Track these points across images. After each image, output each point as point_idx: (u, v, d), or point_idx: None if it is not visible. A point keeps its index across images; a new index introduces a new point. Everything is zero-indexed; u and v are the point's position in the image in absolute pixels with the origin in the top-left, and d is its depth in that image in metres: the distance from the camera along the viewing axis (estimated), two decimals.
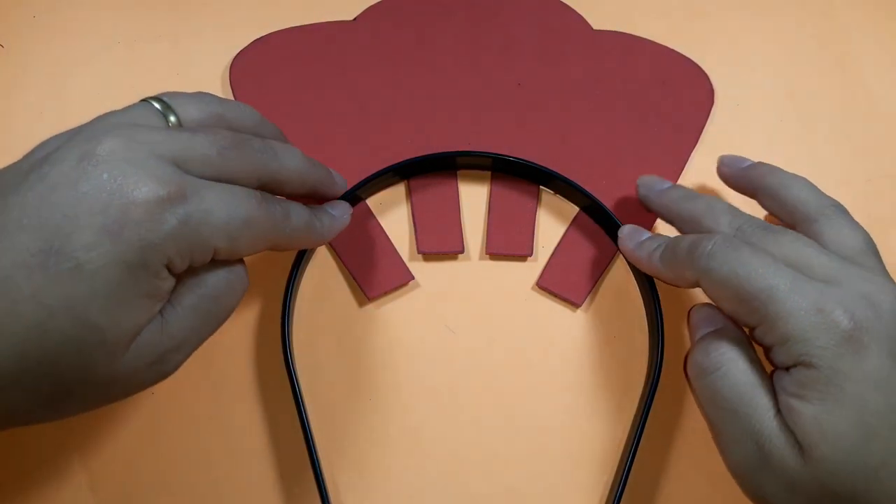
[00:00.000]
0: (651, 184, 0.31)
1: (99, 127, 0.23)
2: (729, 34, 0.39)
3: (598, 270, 0.33)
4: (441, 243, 0.33)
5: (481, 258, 0.33)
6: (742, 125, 0.37)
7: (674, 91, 0.37)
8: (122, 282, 0.21)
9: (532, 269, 0.33)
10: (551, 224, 0.34)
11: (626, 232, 0.31)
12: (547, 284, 0.32)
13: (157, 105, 0.24)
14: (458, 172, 0.35)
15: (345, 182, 0.30)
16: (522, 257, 0.33)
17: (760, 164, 0.31)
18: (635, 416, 0.30)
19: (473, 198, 0.35)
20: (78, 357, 0.21)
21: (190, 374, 0.30)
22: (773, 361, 0.25)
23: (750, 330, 0.25)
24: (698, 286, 0.26)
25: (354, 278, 0.32)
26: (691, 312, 0.28)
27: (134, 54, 0.37)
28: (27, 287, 0.20)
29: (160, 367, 0.23)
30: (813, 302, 0.23)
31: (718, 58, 0.38)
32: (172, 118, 0.24)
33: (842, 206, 0.28)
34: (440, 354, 0.31)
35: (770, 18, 0.40)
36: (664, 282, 0.29)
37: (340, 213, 0.29)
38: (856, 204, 0.35)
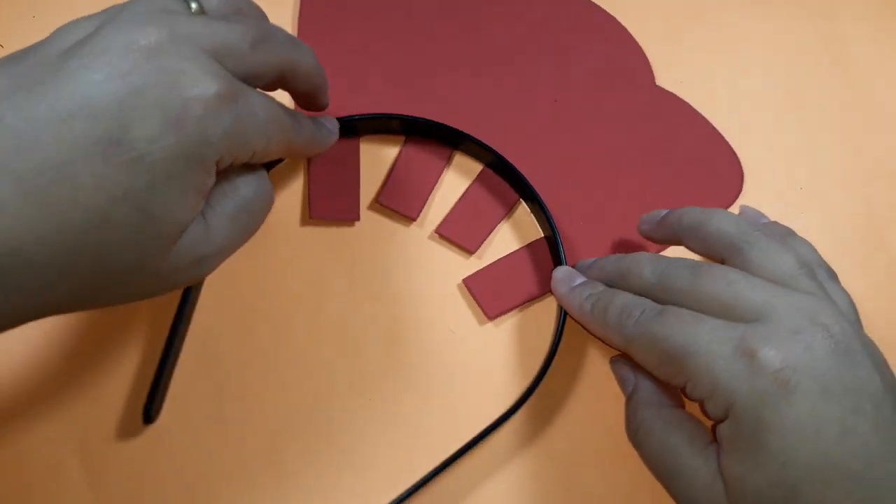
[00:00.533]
0: (581, 266, 0.31)
1: (131, 13, 0.22)
2: (729, 35, 0.39)
3: (526, 298, 0.32)
4: (399, 202, 0.33)
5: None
6: (742, 126, 0.37)
7: (703, 173, 0.35)
8: (180, 174, 0.21)
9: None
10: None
11: (560, 275, 0.30)
12: (471, 286, 0.32)
13: None
14: (454, 152, 0.35)
15: (329, 100, 0.31)
16: (467, 251, 0.33)
17: (675, 209, 0.30)
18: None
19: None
20: (133, 248, 0.21)
21: (191, 376, 0.30)
22: (708, 417, 0.24)
23: (682, 389, 0.25)
24: (626, 351, 0.27)
25: (309, 193, 0.33)
26: (612, 366, 0.29)
27: None
28: (88, 175, 0.20)
29: (198, 270, 0.24)
30: (735, 347, 0.23)
31: (718, 58, 0.38)
32: (194, 5, 0.24)
33: (763, 230, 0.27)
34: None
35: (770, 19, 0.40)
36: (590, 333, 0.29)
37: (333, 127, 0.31)
38: (856, 204, 0.35)
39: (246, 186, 0.25)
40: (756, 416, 0.22)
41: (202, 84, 0.21)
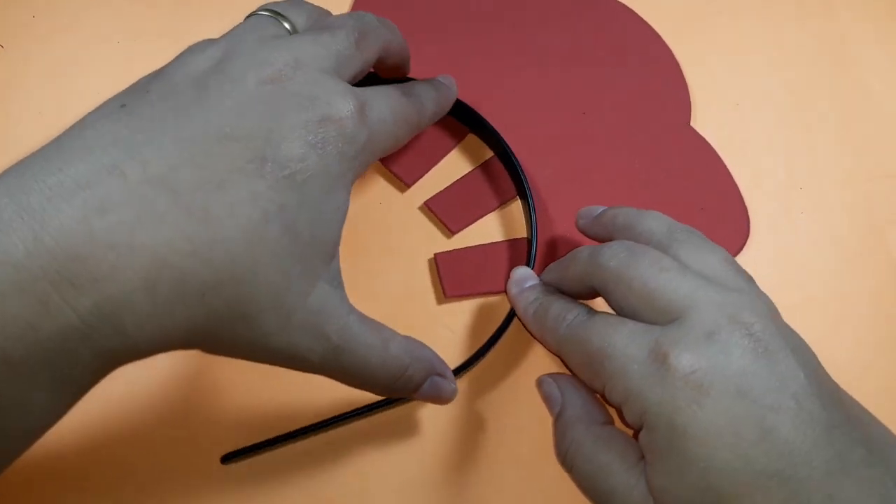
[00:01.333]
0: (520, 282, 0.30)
1: (248, 43, 0.23)
2: (729, 34, 0.39)
3: (487, 290, 0.32)
4: (400, 166, 0.34)
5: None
6: (742, 125, 0.37)
7: (709, 224, 0.34)
8: (325, 192, 0.22)
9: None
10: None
11: (516, 276, 0.30)
12: (440, 261, 0.32)
13: (270, 16, 0.25)
14: (469, 134, 0.35)
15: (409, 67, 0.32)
16: (448, 230, 0.33)
17: (611, 207, 0.29)
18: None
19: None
20: (276, 273, 0.21)
21: (193, 377, 0.30)
22: (627, 425, 0.24)
23: (602, 395, 0.25)
24: (559, 354, 0.27)
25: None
26: (539, 386, 0.28)
27: (134, 53, 0.37)
28: (245, 191, 0.20)
29: (323, 344, 0.23)
30: (648, 350, 0.22)
31: (719, 58, 0.38)
32: (287, 25, 0.25)
33: (695, 230, 0.27)
34: None
35: (770, 18, 0.40)
36: (533, 337, 0.29)
37: (451, 83, 0.31)
38: (856, 204, 0.35)
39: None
40: (669, 422, 0.21)
41: (335, 105, 0.22)
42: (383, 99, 0.25)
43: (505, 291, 0.31)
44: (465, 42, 0.37)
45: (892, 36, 0.39)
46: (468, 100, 0.34)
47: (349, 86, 0.24)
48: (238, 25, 0.25)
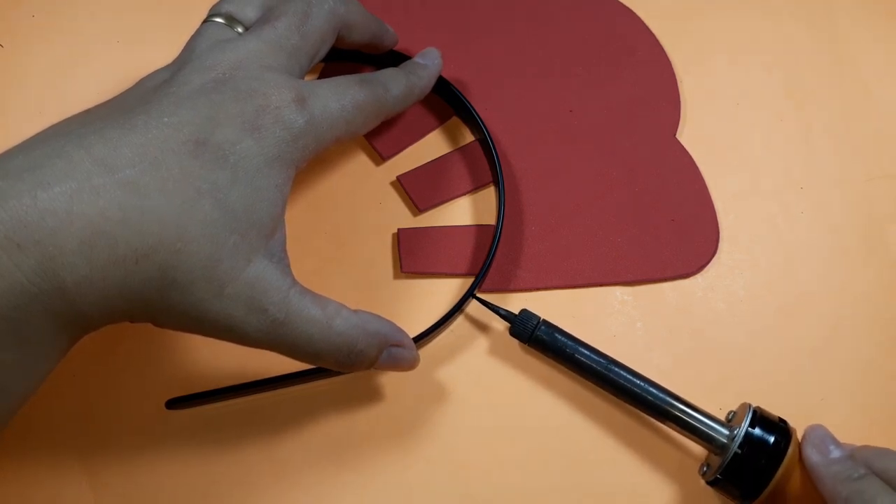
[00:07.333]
0: (825, 437, 0.28)
1: (198, 53, 0.25)
2: (729, 34, 0.39)
3: (443, 270, 0.33)
4: (379, 139, 0.34)
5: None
6: (742, 125, 0.37)
7: (678, 238, 0.34)
8: (259, 172, 0.23)
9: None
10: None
11: (815, 437, 0.27)
12: (402, 238, 0.33)
13: (221, 21, 0.27)
14: (454, 116, 0.35)
15: (396, 36, 0.33)
16: (416, 207, 0.34)
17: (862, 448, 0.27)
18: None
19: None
20: (209, 244, 0.22)
21: (189, 372, 0.30)
22: None
23: None
24: None
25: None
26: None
27: (134, 53, 0.37)
28: (176, 167, 0.22)
29: (260, 317, 0.23)
30: None
31: (718, 57, 0.38)
32: (239, 29, 0.27)
33: None
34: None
35: (770, 18, 0.40)
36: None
37: (432, 59, 0.32)
38: (855, 204, 0.35)
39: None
40: None
41: (271, 97, 0.24)
42: (331, 89, 0.26)
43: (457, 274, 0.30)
44: (459, 27, 0.37)
45: (892, 36, 0.39)
46: (457, 83, 0.35)
47: (290, 78, 0.25)
48: (192, 36, 0.27)
